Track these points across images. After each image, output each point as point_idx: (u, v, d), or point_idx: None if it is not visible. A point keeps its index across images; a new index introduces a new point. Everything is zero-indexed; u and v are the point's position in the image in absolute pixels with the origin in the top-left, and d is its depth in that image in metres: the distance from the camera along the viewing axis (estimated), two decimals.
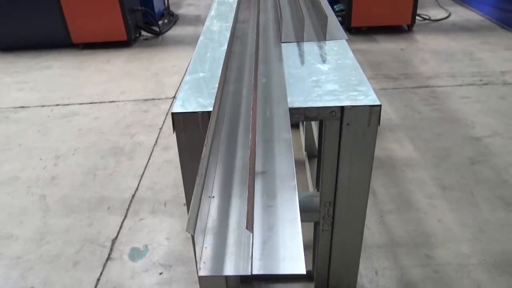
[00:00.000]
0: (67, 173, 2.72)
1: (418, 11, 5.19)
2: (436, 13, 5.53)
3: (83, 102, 3.66)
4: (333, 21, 2.03)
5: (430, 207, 2.27)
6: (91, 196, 2.50)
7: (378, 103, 1.31)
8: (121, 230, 2.22)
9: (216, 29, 2.03)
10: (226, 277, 1.73)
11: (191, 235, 0.73)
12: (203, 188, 0.84)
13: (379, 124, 1.34)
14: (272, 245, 0.80)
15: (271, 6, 2.35)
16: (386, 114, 3.20)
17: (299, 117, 1.34)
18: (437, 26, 5.10)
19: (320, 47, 1.78)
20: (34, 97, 3.82)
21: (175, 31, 5.51)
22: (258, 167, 1.03)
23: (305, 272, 0.75)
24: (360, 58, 4.24)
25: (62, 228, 2.26)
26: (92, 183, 2.61)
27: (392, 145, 2.82)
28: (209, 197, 0.94)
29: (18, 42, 4.96)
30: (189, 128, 1.33)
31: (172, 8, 6.22)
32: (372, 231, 2.14)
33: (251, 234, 0.77)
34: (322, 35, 1.88)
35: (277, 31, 1.94)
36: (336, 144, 1.39)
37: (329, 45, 1.79)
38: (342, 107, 1.31)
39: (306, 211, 1.57)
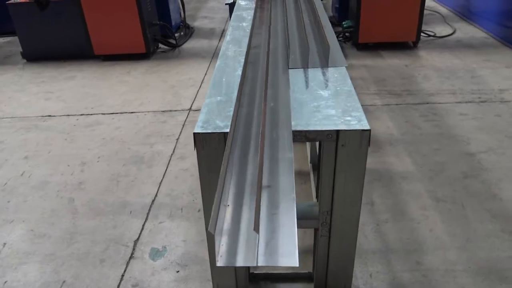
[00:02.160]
0: (93, 178, 2.98)
1: (425, 28, 5.41)
2: (441, 29, 5.73)
3: (105, 112, 3.94)
4: (335, 48, 2.26)
5: (423, 218, 2.48)
6: (114, 200, 2.76)
7: (368, 128, 1.54)
8: (142, 232, 2.47)
9: (231, 54, 2.27)
10: (236, 275, 1.96)
11: (208, 236, 0.97)
12: (221, 199, 1.08)
13: (369, 145, 1.57)
14: (273, 244, 1.03)
15: (280, 30, 2.59)
16: (388, 129, 3.41)
17: (301, 138, 1.57)
18: (442, 43, 5.30)
19: (323, 74, 2.01)
20: (60, 106, 4.11)
21: (190, 44, 5.79)
22: (265, 181, 1.27)
23: (298, 265, 0.98)
24: (366, 74, 4.46)
25: (89, 229, 2.52)
26: (116, 188, 2.87)
27: (391, 158, 3.03)
28: (225, 205, 1.18)
29: (44, 53, 5.29)
30: (208, 146, 1.57)
31: (187, 21, 6.51)
32: (368, 238, 2.35)
33: (257, 235, 1.00)
34: (325, 62, 2.11)
35: (286, 57, 2.18)
36: (332, 162, 1.62)
37: (330, 71, 2.03)
38: (337, 131, 1.54)
39: (307, 218, 1.80)
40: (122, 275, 2.19)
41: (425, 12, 5.24)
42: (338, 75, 1.99)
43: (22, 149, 3.39)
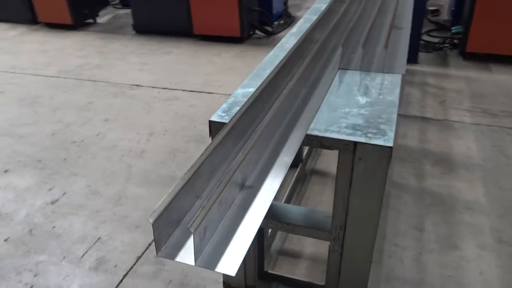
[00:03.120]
0: (154, 149, 3.16)
1: None
2: None
3: (186, 89, 4.12)
4: (400, 54, 2.06)
5: (477, 257, 2.17)
6: (166, 173, 2.89)
7: (390, 145, 1.38)
8: None
9: (288, 47, 2.20)
10: (245, 269, 1.93)
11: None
12: (182, 187, 1.05)
13: (389, 163, 1.41)
14: (220, 249, 0.98)
15: (350, 27, 2.42)
16: (468, 150, 3.04)
17: (316, 144, 1.47)
18: None
19: (373, 79, 1.84)
20: (150, 78, 4.40)
21: (287, 33, 5.74)
22: (249, 181, 1.21)
23: (234, 275, 0.92)
24: (464, 86, 4.00)
25: (136, 195, 2.68)
26: (171, 162, 3.00)
27: (461, 184, 2.69)
28: (197, 196, 1.15)
29: (151, 27, 5.69)
30: None
31: (291, 10, 6.47)
32: (404, 265, 2.14)
33: (193, 236, 0.95)
34: (381, 66, 1.94)
35: (342, 56, 2.04)
36: (348, 174, 1.48)
37: (383, 78, 1.85)
38: (355, 143, 1.41)
39: (319, 229, 1.69)
40: (149, 244, 2.30)
41: None
42: (389, 82, 1.81)
43: (105, 112, 3.71)
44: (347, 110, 1.59)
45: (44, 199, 2.66)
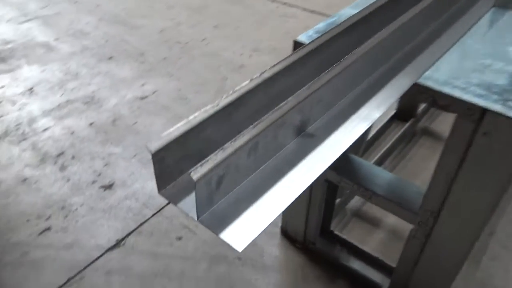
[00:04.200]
0: (254, 66, 2.91)
1: None
2: None
3: (306, 7, 3.69)
4: None
5: None
6: None
7: None
8: None
9: None
10: (307, 222, 1.67)
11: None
12: (211, 115, 0.79)
13: None
14: (235, 212, 0.72)
15: None
16: None
17: (427, 99, 1.06)
18: None
19: None
20: None
21: None
22: (311, 128, 0.90)
23: (240, 251, 0.65)
24: None
25: None
26: None
27: None
28: (238, 131, 0.87)
29: None
30: None
31: None
32: (509, 275, 1.68)
33: (212, 187, 0.69)
34: None
35: None
36: (462, 149, 1.07)
37: None
38: (484, 109, 0.97)
39: (402, 207, 1.32)
40: None
41: None
42: None
43: (217, 18, 3.51)
44: (488, 61, 1.12)
45: (135, 93, 2.64)
